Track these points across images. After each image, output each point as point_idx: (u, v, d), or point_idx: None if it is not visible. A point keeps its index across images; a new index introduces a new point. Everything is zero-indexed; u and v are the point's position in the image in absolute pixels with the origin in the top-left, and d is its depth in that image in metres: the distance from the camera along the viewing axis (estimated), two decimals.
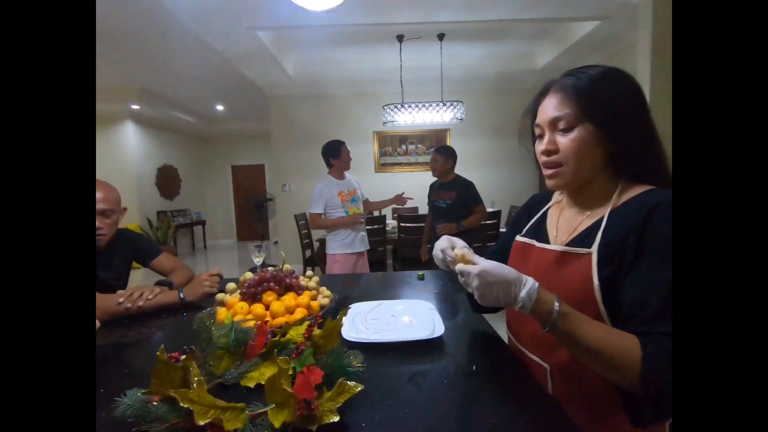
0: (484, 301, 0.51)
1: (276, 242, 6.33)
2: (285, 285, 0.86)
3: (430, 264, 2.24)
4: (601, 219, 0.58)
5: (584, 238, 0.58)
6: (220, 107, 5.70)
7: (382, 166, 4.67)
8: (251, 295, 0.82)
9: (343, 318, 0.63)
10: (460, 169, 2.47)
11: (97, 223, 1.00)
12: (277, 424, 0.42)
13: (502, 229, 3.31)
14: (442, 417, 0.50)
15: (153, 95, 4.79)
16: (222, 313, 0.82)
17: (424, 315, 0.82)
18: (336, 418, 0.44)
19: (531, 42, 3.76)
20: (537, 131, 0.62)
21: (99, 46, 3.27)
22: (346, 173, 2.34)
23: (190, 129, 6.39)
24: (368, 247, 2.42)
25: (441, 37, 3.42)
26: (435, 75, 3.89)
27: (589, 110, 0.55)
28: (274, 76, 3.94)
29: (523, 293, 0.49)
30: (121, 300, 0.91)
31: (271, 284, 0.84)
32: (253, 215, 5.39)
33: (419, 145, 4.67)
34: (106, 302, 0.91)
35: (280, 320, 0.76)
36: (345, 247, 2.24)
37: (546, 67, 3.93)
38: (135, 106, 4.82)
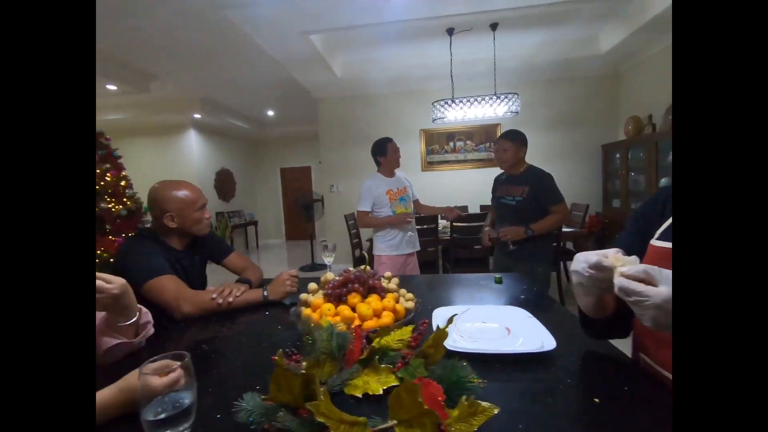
0: (657, 329, 0.42)
1: (324, 241, 6.50)
2: (368, 286, 0.82)
3: (487, 252, 2.02)
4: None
5: None
6: (270, 112, 5.96)
7: (429, 165, 4.58)
8: (336, 296, 0.80)
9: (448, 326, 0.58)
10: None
11: (205, 215, 1.11)
12: None
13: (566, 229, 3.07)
14: None
15: (213, 104, 5.13)
16: (308, 313, 0.80)
17: (523, 324, 0.74)
18: None
19: (594, 25, 3.45)
20: None
21: (171, 61, 3.56)
22: (398, 172, 2.26)
23: (243, 134, 6.77)
24: (417, 249, 2.31)
25: (494, 27, 3.25)
26: (486, 68, 3.73)
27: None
28: (322, 79, 4.02)
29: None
30: (214, 296, 0.95)
31: (356, 285, 0.81)
32: (301, 215, 5.56)
33: (468, 142, 4.51)
34: (201, 297, 0.95)
35: (370, 324, 0.73)
36: (392, 249, 2.16)
37: (612, 51, 3.59)
38: (197, 115, 5.20)
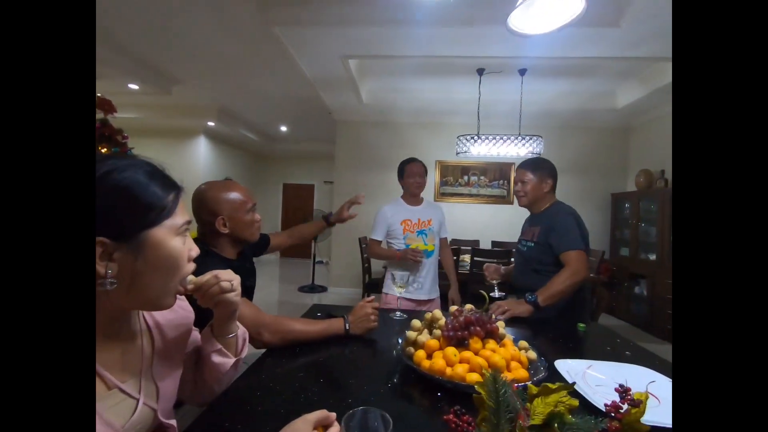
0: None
1: (326, 262, 6.31)
2: (486, 330, 0.75)
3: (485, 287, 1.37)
4: None
5: None
6: (283, 128, 5.96)
7: (441, 195, 4.60)
8: (458, 339, 0.72)
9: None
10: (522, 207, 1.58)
11: (256, 218, 1.03)
12: None
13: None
14: None
15: (229, 114, 5.09)
16: (421, 358, 0.72)
17: (659, 386, 0.68)
18: None
19: (613, 81, 3.65)
20: None
21: (199, 67, 3.53)
22: (430, 202, 1.97)
23: (252, 146, 6.71)
24: (434, 297, 1.88)
25: (522, 72, 3.40)
26: (509, 109, 3.85)
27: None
28: (348, 102, 4.07)
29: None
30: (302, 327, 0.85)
31: (476, 328, 0.73)
32: None
33: (482, 177, 4.57)
34: (292, 326, 0.86)
35: (519, 373, 0.65)
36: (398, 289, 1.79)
37: (627, 107, 3.79)
38: (211, 123, 5.13)
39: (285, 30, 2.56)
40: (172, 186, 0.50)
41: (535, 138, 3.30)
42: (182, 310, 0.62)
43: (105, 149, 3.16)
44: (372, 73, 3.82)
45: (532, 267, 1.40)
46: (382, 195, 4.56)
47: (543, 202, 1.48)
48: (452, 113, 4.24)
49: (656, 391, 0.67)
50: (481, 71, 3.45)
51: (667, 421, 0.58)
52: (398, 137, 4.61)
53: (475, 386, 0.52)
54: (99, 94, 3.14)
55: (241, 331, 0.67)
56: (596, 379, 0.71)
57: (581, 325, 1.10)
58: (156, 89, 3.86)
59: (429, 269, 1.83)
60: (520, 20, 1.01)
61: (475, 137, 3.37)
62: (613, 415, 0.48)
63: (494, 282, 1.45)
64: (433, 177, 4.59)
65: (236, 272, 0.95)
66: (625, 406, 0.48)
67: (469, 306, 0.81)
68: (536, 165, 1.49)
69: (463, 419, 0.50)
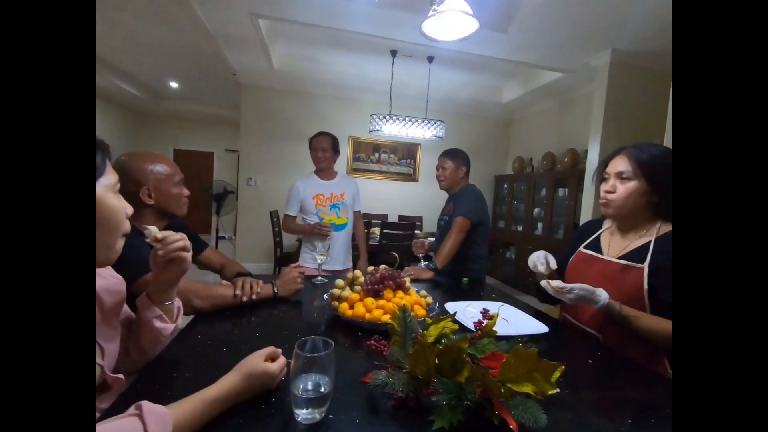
0: (573, 303, 0.83)
1: (230, 237, 5.86)
2: (397, 284, 0.93)
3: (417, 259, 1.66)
4: (647, 244, 0.86)
5: (634, 256, 0.86)
6: (174, 84, 5.13)
7: (354, 171, 4.74)
8: (374, 291, 0.88)
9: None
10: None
11: (184, 192, 1.01)
12: (530, 390, 0.53)
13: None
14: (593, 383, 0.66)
15: (99, 60, 4.13)
16: (345, 309, 0.87)
17: (513, 314, 0.98)
18: (557, 390, 0.57)
19: (501, 79, 4.25)
20: (605, 176, 0.92)
21: None
22: (344, 176, 2.04)
23: (133, 103, 5.61)
24: (347, 267, 1.99)
25: (430, 59, 3.68)
26: (416, 92, 4.14)
27: (645, 171, 0.85)
28: (256, 65, 3.76)
29: (601, 302, 0.81)
30: (238, 292, 0.89)
31: (390, 282, 0.91)
32: (205, 206, 4.95)
33: (392, 155, 4.86)
34: (213, 292, 0.88)
35: (419, 312, 0.84)
36: (314, 262, 1.81)
37: (510, 103, 4.48)
38: None
39: None
40: (99, 145, 0.50)
41: (438, 122, 3.67)
42: (114, 278, 0.62)
43: None
44: (285, 38, 3.59)
45: (442, 235, 1.66)
46: (294, 167, 4.45)
47: (458, 185, 1.74)
48: (366, 90, 4.33)
49: (506, 315, 0.96)
50: (394, 53, 3.60)
51: (512, 332, 0.86)
52: (312, 109, 4.50)
53: (389, 319, 0.69)
54: None
55: (177, 300, 0.70)
56: (471, 312, 0.97)
57: (465, 279, 1.41)
58: None
59: (342, 241, 1.94)
60: (430, 28, 1.21)
61: (387, 117, 3.56)
62: (477, 328, 0.71)
63: (420, 255, 1.65)
64: (346, 152, 4.68)
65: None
66: (485, 322, 0.71)
67: (383, 266, 0.98)
68: (454, 154, 1.76)
69: (380, 344, 0.67)
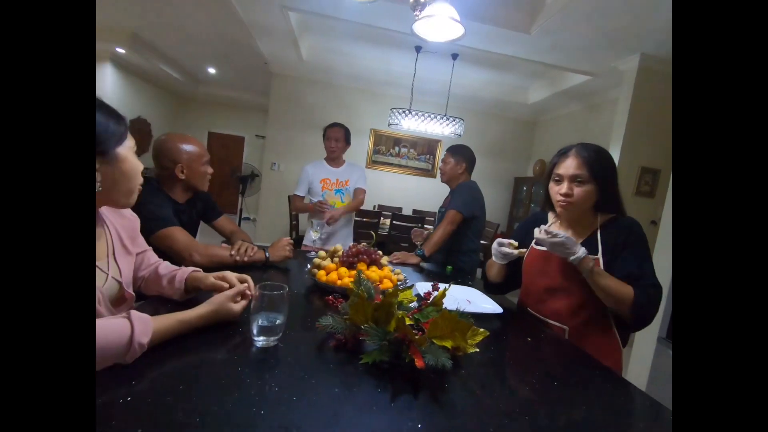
0: (556, 251, 0.89)
1: (253, 219, 6.20)
2: (371, 259, 1.04)
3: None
4: (593, 234, 0.95)
5: (586, 248, 0.91)
6: (212, 70, 5.45)
7: (373, 163, 4.85)
8: (349, 263, 1.00)
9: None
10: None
11: (209, 170, 1.17)
12: (449, 345, 0.62)
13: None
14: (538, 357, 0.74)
15: (144, 42, 4.48)
16: (321, 275, 0.98)
17: (476, 296, 1.06)
18: (477, 350, 0.66)
19: (528, 79, 4.19)
20: (557, 177, 0.97)
21: None
22: (350, 164, 2.14)
23: (174, 86, 6.02)
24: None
25: (455, 56, 3.70)
26: (440, 89, 4.17)
27: (595, 174, 0.91)
28: (286, 55, 3.94)
29: (580, 252, 0.87)
30: (233, 253, 1.04)
31: (364, 257, 1.02)
32: (232, 187, 5.25)
33: (411, 150, 4.93)
34: (213, 251, 1.03)
35: (387, 285, 0.95)
36: (320, 242, 1.89)
37: (535, 104, 4.41)
38: (120, 50, 4.47)
39: None
40: (120, 116, 0.64)
41: (458, 120, 3.70)
42: (130, 217, 0.78)
43: None
44: (314, 31, 3.74)
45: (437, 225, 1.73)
46: (315, 155, 4.62)
47: (457, 180, 1.82)
48: (389, 84, 4.42)
49: (471, 297, 1.04)
50: (418, 48, 3.65)
51: (470, 310, 0.95)
52: (336, 100, 4.65)
53: (349, 282, 0.80)
54: None
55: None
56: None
57: (449, 267, 1.50)
58: None
59: (341, 224, 2.07)
60: (421, 28, 1.31)
61: (407, 111, 3.63)
62: (425, 297, 0.81)
63: (419, 243, 1.73)
64: (366, 145, 4.80)
65: (179, 214, 1.09)
66: (434, 293, 0.80)
67: (363, 243, 1.09)
68: (456, 151, 1.84)
69: (338, 300, 0.79)
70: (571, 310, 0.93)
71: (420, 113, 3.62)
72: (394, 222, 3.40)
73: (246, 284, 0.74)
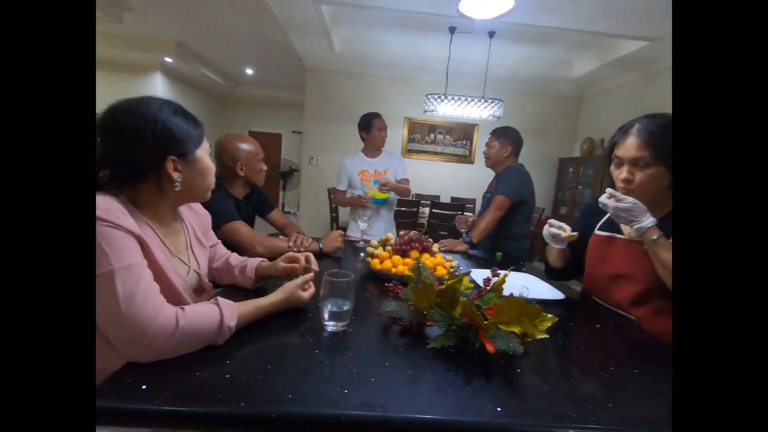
0: (621, 220, 0.82)
1: (294, 213, 6.46)
2: (423, 247, 1.04)
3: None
4: (666, 217, 0.84)
5: (661, 229, 0.82)
6: (249, 71, 5.67)
7: (408, 152, 4.81)
8: (402, 251, 1.01)
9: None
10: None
11: (264, 167, 1.24)
12: (517, 330, 0.61)
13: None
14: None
15: (188, 50, 4.76)
16: (375, 263, 1.00)
17: (534, 283, 1.02)
18: (546, 336, 0.64)
19: (572, 51, 3.90)
20: (616, 161, 0.86)
21: None
22: (387, 153, 2.13)
23: (216, 89, 6.35)
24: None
25: (491, 34, 3.52)
26: (475, 70, 4.01)
27: (662, 155, 0.79)
28: (319, 49, 3.99)
29: (646, 221, 0.79)
30: (290, 244, 1.10)
31: (416, 245, 1.02)
32: (273, 183, 5.48)
33: (447, 136, 4.82)
34: (273, 242, 1.10)
35: (441, 272, 0.95)
36: (359, 231, 1.89)
37: (581, 78, 4.09)
38: (168, 59, 4.79)
39: None
40: (198, 122, 0.69)
41: (496, 101, 3.54)
42: (203, 213, 0.85)
43: None
44: (345, 22, 3.74)
45: (484, 211, 1.69)
46: (350, 147, 4.68)
47: (503, 164, 1.76)
48: (423, 70, 4.33)
49: (528, 284, 1.01)
50: (452, 29, 3.52)
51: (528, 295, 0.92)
52: (369, 90, 4.64)
53: (407, 270, 0.81)
54: None
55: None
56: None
57: (498, 254, 1.46)
58: (105, 15, 3.53)
59: (383, 214, 2.10)
60: (468, 6, 1.26)
61: (443, 97, 3.54)
62: (485, 284, 0.80)
63: (463, 230, 1.71)
64: (401, 133, 4.76)
65: (239, 209, 1.17)
66: (494, 279, 0.79)
67: (413, 231, 1.10)
68: (501, 133, 1.77)
69: (397, 287, 0.80)
70: (638, 298, 0.85)
71: (456, 97, 3.52)
72: (434, 210, 3.37)
73: (310, 274, 0.78)
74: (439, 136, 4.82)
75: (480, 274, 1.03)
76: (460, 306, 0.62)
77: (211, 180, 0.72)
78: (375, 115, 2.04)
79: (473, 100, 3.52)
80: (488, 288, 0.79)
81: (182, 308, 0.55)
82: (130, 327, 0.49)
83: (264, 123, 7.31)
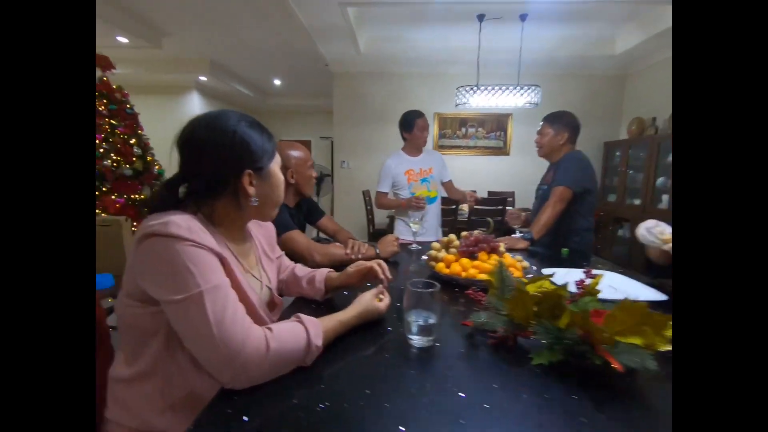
0: None
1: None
2: (491, 247, 0.97)
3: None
4: None
5: None
6: (277, 81, 5.81)
7: (440, 148, 4.70)
8: (469, 253, 0.94)
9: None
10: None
11: (314, 174, 1.21)
12: (639, 342, 0.52)
13: None
14: None
15: (221, 68, 4.95)
16: (442, 267, 0.94)
17: (621, 282, 0.91)
18: (670, 347, 0.55)
19: (613, 26, 3.62)
20: None
21: (188, 16, 3.41)
22: (427, 151, 2.08)
23: (245, 102, 6.57)
24: (438, 238, 2.02)
25: (523, 17, 3.34)
26: (507, 57, 3.83)
27: None
28: (345, 52, 3.99)
29: None
30: (348, 251, 1.06)
31: (484, 245, 0.95)
32: None
33: (479, 129, 4.65)
34: (330, 250, 1.07)
35: (516, 274, 0.87)
36: (408, 233, 1.88)
37: (625, 53, 3.79)
38: (203, 78, 5.00)
39: None
40: (271, 136, 0.67)
41: (533, 87, 3.35)
42: (269, 227, 0.83)
43: (102, 107, 3.17)
44: (370, 22, 3.71)
45: (541, 205, 1.55)
46: (382, 148, 4.65)
47: (559, 152, 1.60)
48: (451, 63, 4.20)
49: (614, 284, 0.91)
50: (481, 17, 3.38)
51: (616, 297, 0.82)
52: (397, 89, 4.58)
53: (488, 275, 0.74)
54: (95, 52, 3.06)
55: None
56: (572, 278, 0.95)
57: (564, 250, 1.34)
58: (145, 42, 3.74)
59: (433, 213, 2.03)
60: None
61: (474, 88, 3.41)
62: (579, 287, 0.71)
63: (516, 226, 1.61)
64: (431, 130, 4.66)
65: (292, 218, 1.15)
66: (588, 280, 0.70)
67: (477, 231, 1.02)
68: (555, 119, 1.62)
69: (478, 294, 0.73)
70: None
71: (489, 87, 3.37)
72: (474, 207, 3.25)
73: (383, 285, 0.73)
74: (471, 130, 4.66)
75: (562, 275, 0.93)
76: (566, 316, 0.55)
77: (282, 195, 0.70)
78: (418, 114, 1.97)
79: (507, 88, 3.35)
80: (582, 291, 0.70)
81: (269, 328, 0.51)
82: (223, 350, 0.46)
83: (293, 131, 7.47)
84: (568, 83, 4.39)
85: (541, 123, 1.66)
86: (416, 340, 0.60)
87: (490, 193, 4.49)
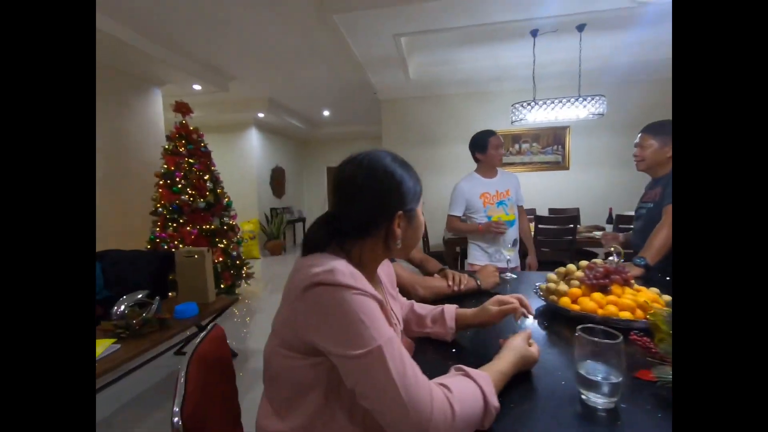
0: None
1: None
2: (623, 278, 0.85)
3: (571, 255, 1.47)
4: None
5: None
6: (326, 112, 6.11)
7: None
8: (601, 286, 0.83)
9: None
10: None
11: None
12: None
13: None
14: None
15: (277, 104, 5.32)
16: (565, 301, 0.84)
17: None
18: None
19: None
20: None
21: (253, 62, 3.72)
22: (504, 172, 1.99)
23: (297, 133, 6.97)
24: (517, 264, 1.99)
25: (581, 28, 3.22)
26: (566, 69, 3.69)
27: None
28: (395, 80, 4.09)
29: None
30: (450, 284, 1.01)
31: (617, 277, 0.84)
32: None
33: (534, 144, 4.47)
34: (433, 283, 1.02)
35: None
36: (487, 259, 1.88)
37: None
38: (261, 114, 5.40)
39: (341, 17, 2.63)
40: (418, 177, 0.65)
41: (597, 98, 3.17)
42: (386, 265, 0.79)
43: (182, 148, 3.50)
44: (419, 48, 3.80)
45: (645, 229, 1.38)
46: (433, 170, 4.62)
47: (664, 167, 1.44)
48: (503, 80, 4.14)
49: None
50: (534, 32, 3.32)
51: None
52: (446, 110, 4.59)
53: (649, 316, 0.64)
54: (176, 99, 3.46)
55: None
56: None
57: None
58: (215, 88, 4.13)
59: (512, 237, 1.89)
60: None
61: (531, 103, 3.30)
62: None
63: (612, 249, 1.44)
64: None
65: None
66: None
67: (599, 260, 0.92)
68: (658, 130, 1.44)
69: (643, 340, 0.63)
70: None
71: (548, 101, 3.24)
72: (539, 225, 3.05)
73: (529, 329, 0.66)
74: (525, 145, 4.49)
75: None
76: None
77: (421, 235, 0.67)
78: (490, 133, 1.91)
79: (569, 100, 3.19)
80: None
81: (444, 386, 0.46)
82: (414, 417, 0.42)
83: (341, 158, 7.68)
84: (633, 89, 4.11)
85: (640, 134, 1.49)
86: (599, 400, 0.51)
87: (551, 210, 4.24)
